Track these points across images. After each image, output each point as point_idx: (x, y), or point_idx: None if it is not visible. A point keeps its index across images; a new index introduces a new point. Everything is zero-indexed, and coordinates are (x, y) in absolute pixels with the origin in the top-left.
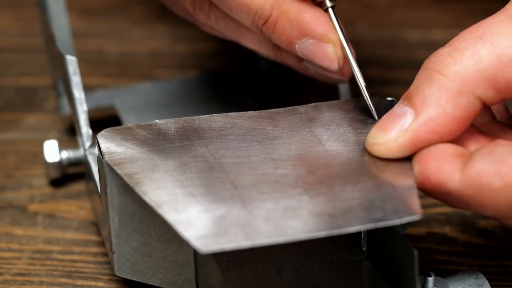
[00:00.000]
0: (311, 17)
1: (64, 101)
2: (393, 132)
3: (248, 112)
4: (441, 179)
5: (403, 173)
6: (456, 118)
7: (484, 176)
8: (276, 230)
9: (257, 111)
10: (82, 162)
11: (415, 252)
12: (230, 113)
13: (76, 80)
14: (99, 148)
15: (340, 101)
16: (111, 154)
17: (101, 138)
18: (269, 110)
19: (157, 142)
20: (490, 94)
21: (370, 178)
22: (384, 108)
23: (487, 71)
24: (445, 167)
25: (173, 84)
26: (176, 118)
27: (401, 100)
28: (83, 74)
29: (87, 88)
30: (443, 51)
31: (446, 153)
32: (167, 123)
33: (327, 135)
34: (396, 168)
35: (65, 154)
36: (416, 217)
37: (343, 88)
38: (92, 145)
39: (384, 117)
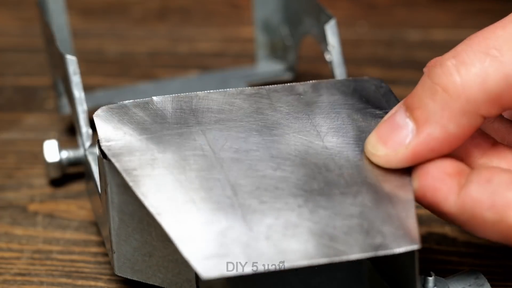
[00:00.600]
0: None
1: (64, 101)
2: (393, 146)
3: (246, 88)
4: (437, 199)
5: (402, 186)
6: (457, 136)
7: (479, 207)
8: (277, 254)
9: (255, 88)
10: (82, 162)
11: (416, 252)
12: (228, 89)
13: (76, 80)
14: (96, 132)
15: (339, 80)
16: (108, 141)
17: (98, 119)
18: (267, 86)
19: (154, 127)
20: (494, 111)
21: (370, 189)
22: (383, 95)
23: (493, 92)
24: (442, 188)
25: (173, 84)
26: (173, 95)
27: (402, 106)
28: (83, 74)
29: (87, 88)
30: (449, 63)
31: (444, 172)
32: (164, 101)
33: (325, 126)
34: (395, 179)
35: (65, 154)
36: (414, 247)
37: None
38: (92, 145)
39: (384, 124)
